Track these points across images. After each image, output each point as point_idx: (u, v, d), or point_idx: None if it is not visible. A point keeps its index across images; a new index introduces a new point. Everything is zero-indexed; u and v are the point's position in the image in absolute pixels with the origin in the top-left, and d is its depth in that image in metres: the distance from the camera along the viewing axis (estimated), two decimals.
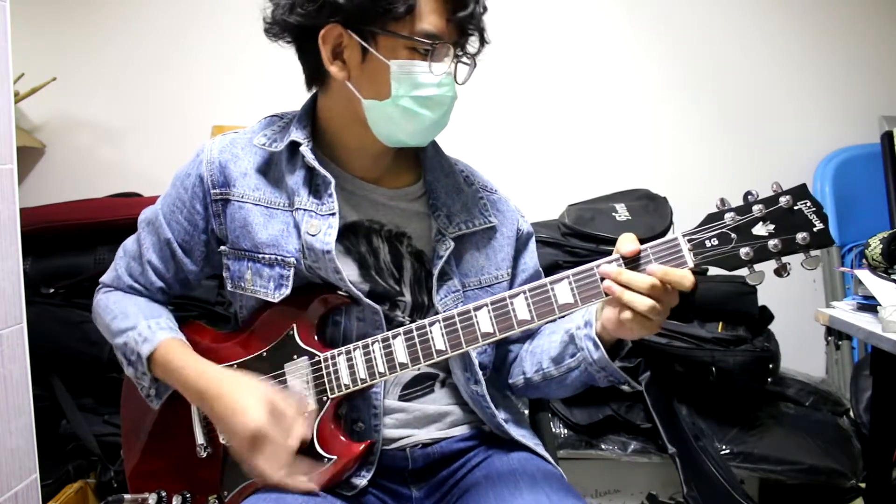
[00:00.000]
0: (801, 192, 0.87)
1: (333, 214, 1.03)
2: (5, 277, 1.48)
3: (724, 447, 1.94)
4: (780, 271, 0.87)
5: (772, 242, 0.87)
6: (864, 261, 1.63)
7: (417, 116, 1.00)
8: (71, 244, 2.04)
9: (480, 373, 1.09)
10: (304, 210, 1.04)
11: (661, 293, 0.89)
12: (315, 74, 1.07)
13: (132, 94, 2.50)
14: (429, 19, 0.96)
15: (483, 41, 1.04)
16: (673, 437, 1.88)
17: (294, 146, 1.07)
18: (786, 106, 2.52)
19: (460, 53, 1.02)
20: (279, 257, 1.05)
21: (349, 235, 1.07)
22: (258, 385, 1.01)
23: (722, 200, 0.89)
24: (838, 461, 1.92)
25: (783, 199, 0.86)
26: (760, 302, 2.04)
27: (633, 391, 1.95)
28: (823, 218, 0.86)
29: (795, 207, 0.86)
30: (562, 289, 0.94)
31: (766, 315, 2.06)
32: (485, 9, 1.02)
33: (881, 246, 1.57)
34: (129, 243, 1.17)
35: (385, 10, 0.95)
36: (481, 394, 1.09)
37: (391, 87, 0.98)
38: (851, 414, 2.10)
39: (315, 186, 1.05)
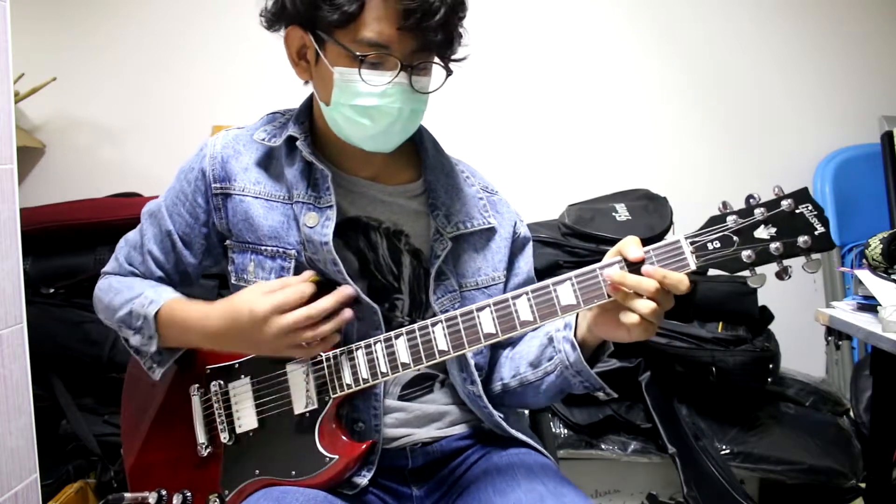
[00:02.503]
0: (802, 195, 0.87)
1: (331, 207, 1.04)
2: (5, 277, 1.48)
3: (724, 447, 1.94)
4: (782, 274, 0.88)
5: (773, 246, 0.87)
6: (864, 261, 1.63)
7: (358, 125, 1.00)
8: (71, 244, 2.04)
9: (476, 373, 1.09)
10: (303, 203, 1.05)
11: (661, 296, 0.89)
12: None
13: (132, 94, 2.50)
14: (373, 27, 0.94)
15: (450, 49, 1.01)
16: (673, 437, 1.88)
17: (291, 141, 1.08)
18: (786, 106, 2.52)
19: (416, 63, 0.98)
20: (281, 249, 1.06)
21: (348, 230, 1.08)
22: (248, 289, 1.01)
23: (724, 203, 0.89)
24: (838, 461, 1.92)
25: (785, 203, 0.86)
26: (760, 302, 2.04)
27: (621, 395, 1.94)
28: (825, 222, 0.86)
29: (797, 211, 0.86)
30: (564, 290, 0.94)
31: (766, 315, 2.06)
32: (444, 17, 0.95)
33: (881, 246, 1.57)
34: (131, 234, 1.19)
35: (324, 17, 0.95)
36: (478, 394, 1.09)
37: (332, 93, 0.99)
38: (851, 414, 2.10)
39: (313, 180, 1.06)
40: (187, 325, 1.05)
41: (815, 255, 0.87)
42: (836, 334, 1.62)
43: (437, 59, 1.01)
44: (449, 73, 1.02)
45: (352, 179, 1.10)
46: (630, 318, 0.89)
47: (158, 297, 1.07)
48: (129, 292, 1.10)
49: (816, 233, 0.86)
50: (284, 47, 1.04)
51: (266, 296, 0.97)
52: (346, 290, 1.01)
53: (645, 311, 0.88)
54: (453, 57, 1.02)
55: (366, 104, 0.98)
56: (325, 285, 1.06)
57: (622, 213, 2.17)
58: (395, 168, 1.12)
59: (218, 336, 1.03)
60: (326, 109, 1.02)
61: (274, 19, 1.03)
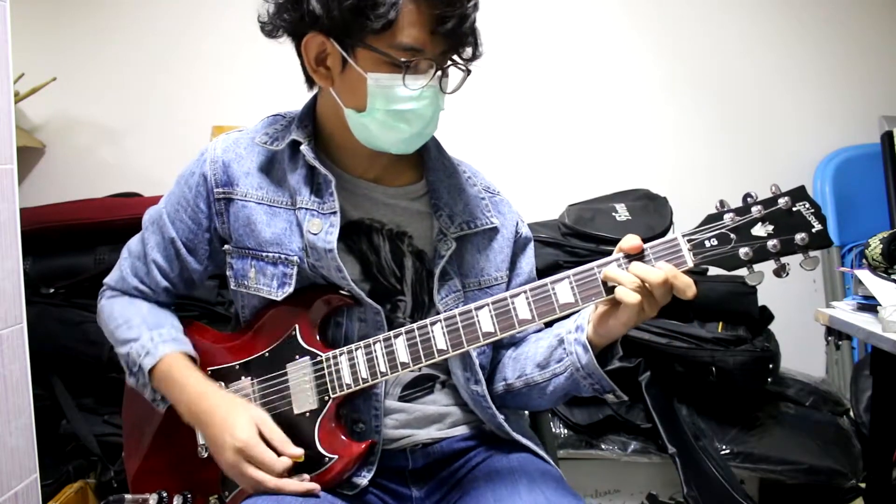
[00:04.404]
0: (799, 193, 0.88)
1: (335, 213, 1.04)
2: (5, 277, 1.48)
3: (724, 447, 1.94)
4: (780, 272, 0.88)
5: (771, 243, 0.87)
6: (864, 261, 1.63)
7: (395, 129, 1.00)
8: (71, 244, 2.04)
9: (481, 372, 1.09)
10: (306, 209, 1.04)
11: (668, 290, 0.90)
12: (308, 77, 1.08)
13: (132, 94, 2.50)
14: (409, 32, 0.95)
15: (476, 50, 1.03)
16: (673, 437, 1.88)
17: (295, 145, 1.07)
18: (786, 106, 2.52)
19: (447, 65, 1.00)
20: (283, 255, 1.05)
21: (350, 234, 1.07)
22: (253, 408, 1.02)
23: (721, 202, 0.90)
24: (838, 461, 1.92)
25: (782, 201, 0.87)
26: (760, 302, 2.04)
27: (625, 394, 1.94)
28: (822, 219, 0.87)
29: (794, 209, 0.87)
30: (562, 288, 0.94)
31: (766, 315, 2.06)
32: (474, 20, 1.00)
33: (881, 246, 1.57)
34: (133, 244, 1.18)
35: (363, 24, 0.94)
36: (482, 394, 1.09)
37: (367, 100, 0.98)
38: (851, 414, 2.10)
39: (316, 185, 1.06)
40: (178, 394, 1.05)
41: (812, 253, 0.88)
42: (836, 334, 1.62)
43: (462, 59, 1.02)
44: (468, 73, 1.03)
45: (355, 182, 1.10)
46: (632, 297, 0.90)
47: (155, 350, 1.07)
48: (128, 332, 1.10)
49: (813, 230, 0.87)
50: (303, 54, 1.02)
51: (251, 436, 0.97)
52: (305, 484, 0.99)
53: (659, 300, 0.91)
54: (468, 57, 1.03)
55: (404, 108, 0.98)
56: (328, 288, 1.06)
57: (622, 213, 2.17)
58: (398, 170, 1.12)
59: (197, 421, 1.04)
60: (356, 116, 1.01)
61: (287, 27, 1.02)
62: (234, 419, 0.99)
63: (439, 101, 1.01)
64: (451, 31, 0.96)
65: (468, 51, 1.02)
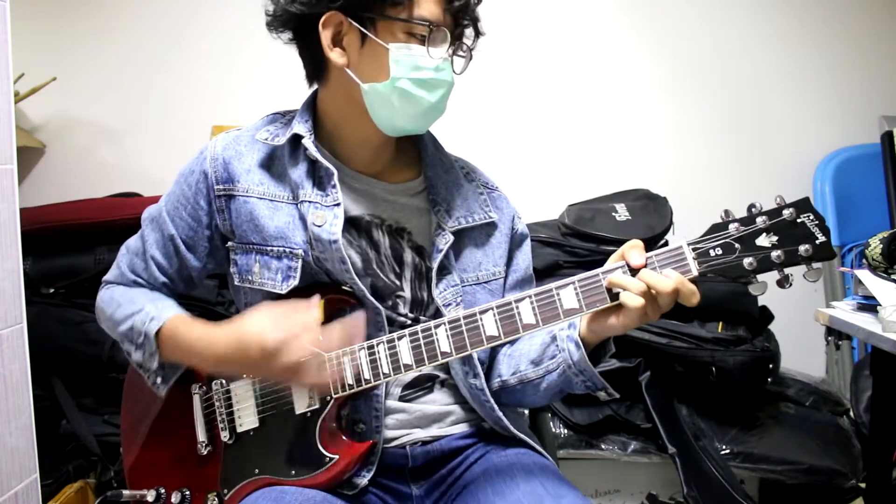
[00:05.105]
0: (804, 205, 0.88)
1: (338, 205, 1.05)
2: (5, 277, 1.48)
3: (724, 447, 1.94)
4: (783, 282, 0.89)
5: (775, 254, 0.88)
6: (864, 261, 1.63)
7: (415, 99, 1.02)
8: (71, 244, 2.04)
9: (479, 367, 1.10)
10: (310, 202, 1.05)
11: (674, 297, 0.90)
12: (316, 67, 1.09)
13: (132, 94, 2.50)
14: (426, 7, 1.00)
15: (477, 33, 1.07)
16: (673, 437, 1.88)
17: (296, 139, 1.08)
18: (786, 106, 2.52)
19: (456, 44, 1.05)
20: (287, 249, 1.06)
21: (350, 229, 1.08)
22: (255, 314, 1.00)
23: (726, 212, 0.91)
24: (838, 461, 1.92)
25: (786, 212, 0.88)
26: (760, 302, 2.04)
27: (621, 395, 1.94)
28: (826, 231, 0.88)
29: (798, 220, 0.88)
30: (567, 294, 0.94)
31: (766, 315, 2.06)
32: (479, 1, 1.06)
33: (881, 246, 1.57)
34: (132, 241, 1.18)
35: None
36: (480, 388, 1.09)
37: (390, 68, 1.00)
38: (851, 414, 2.10)
39: (318, 178, 1.07)
40: (191, 348, 1.04)
41: (815, 264, 0.89)
42: (836, 334, 1.62)
43: (468, 41, 1.07)
44: (470, 57, 1.07)
45: (356, 176, 1.10)
46: (637, 302, 0.91)
47: (159, 315, 1.07)
48: (131, 306, 1.10)
49: (817, 242, 0.87)
50: (320, 34, 1.03)
51: (276, 326, 0.95)
52: (356, 325, 1.00)
53: (664, 306, 0.91)
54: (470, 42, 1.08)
55: (424, 77, 1.01)
56: (332, 287, 1.06)
57: (622, 213, 2.17)
58: (397, 166, 1.14)
59: (223, 362, 1.02)
60: (378, 87, 1.02)
61: (304, 8, 1.02)
62: (250, 333, 0.97)
63: (453, 76, 1.05)
64: (462, 7, 1.02)
65: (471, 34, 1.07)
